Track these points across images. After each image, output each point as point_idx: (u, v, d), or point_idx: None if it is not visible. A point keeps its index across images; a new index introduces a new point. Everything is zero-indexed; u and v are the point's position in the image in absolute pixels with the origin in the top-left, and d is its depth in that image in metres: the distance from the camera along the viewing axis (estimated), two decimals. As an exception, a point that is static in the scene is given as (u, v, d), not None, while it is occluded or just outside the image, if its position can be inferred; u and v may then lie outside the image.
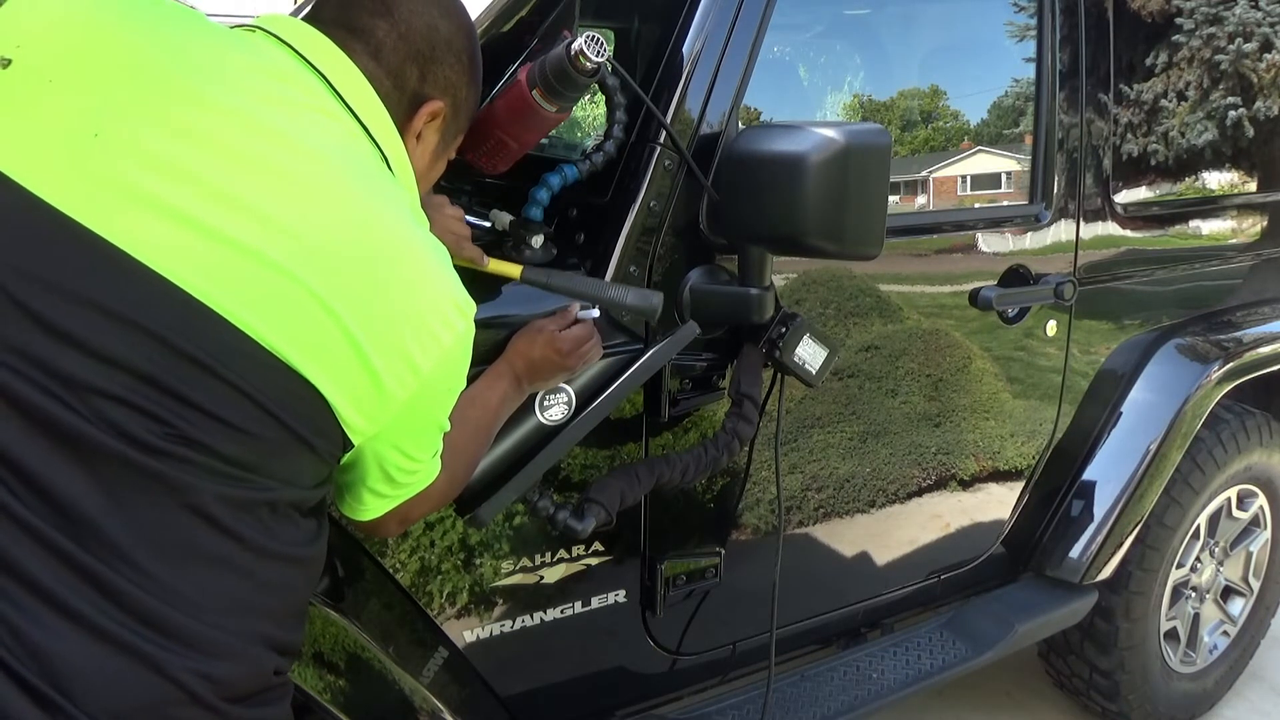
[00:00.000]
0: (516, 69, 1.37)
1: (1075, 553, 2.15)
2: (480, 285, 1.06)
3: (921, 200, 2.04)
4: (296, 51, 0.96)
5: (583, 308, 1.36)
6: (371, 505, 1.04)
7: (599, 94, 1.42)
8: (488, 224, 1.43)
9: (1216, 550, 2.49)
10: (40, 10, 0.87)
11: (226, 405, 0.83)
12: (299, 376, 0.85)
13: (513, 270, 1.28)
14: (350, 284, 0.86)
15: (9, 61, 0.84)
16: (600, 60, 1.23)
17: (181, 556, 0.82)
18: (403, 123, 1.03)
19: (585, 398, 1.39)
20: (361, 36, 1.00)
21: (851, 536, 1.91)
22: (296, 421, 0.86)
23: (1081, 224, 2.08)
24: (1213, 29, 2.30)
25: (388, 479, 1.01)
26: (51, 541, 0.78)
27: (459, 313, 0.94)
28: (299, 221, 0.85)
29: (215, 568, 0.84)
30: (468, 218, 1.38)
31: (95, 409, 0.79)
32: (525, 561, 1.49)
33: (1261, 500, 2.54)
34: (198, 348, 0.81)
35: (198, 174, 0.83)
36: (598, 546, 1.56)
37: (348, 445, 0.92)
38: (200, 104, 0.86)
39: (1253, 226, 2.53)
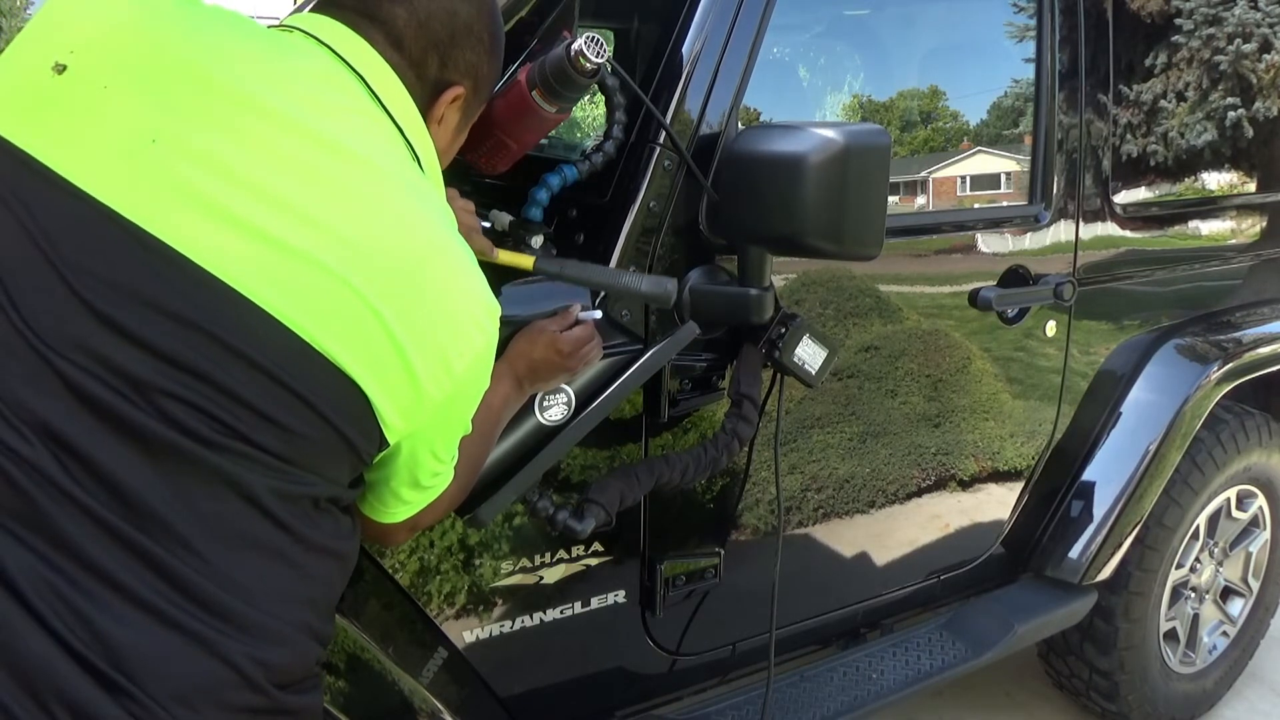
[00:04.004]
0: (516, 69, 1.37)
1: (1075, 553, 2.15)
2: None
3: (921, 200, 2.04)
4: (335, 52, 0.97)
5: (583, 309, 1.36)
6: (394, 509, 1.06)
7: (599, 94, 1.42)
8: (487, 224, 1.43)
9: (1216, 551, 2.49)
10: (93, 15, 0.89)
11: (275, 404, 0.86)
12: (345, 375, 0.87)
13: (524, 261, 1.28)
14: (393, 286, 0.88)
15: (64, 67, 0.86)
16: (600, 61, 1.23)
17: (239, 545, 0.85)
18: (424, 109, 1.04)
19: (585, 398, 1.39)
20: (381, 25, 1.00)
21: (851, 537, 1.91)
22: (341, 420, 0.89)
23: (1081, 224, 2.08)
24: (1212, 29, 2.30)
25: (414, 483, 1.03)
26: (116, 529, 0.81)
27: (489, 314, 0.97)
28: (345, 225, 0.87)
29: (269, 557, 0.87)
30: None
31: (157, 405, 0.82)
32: (525, 562, 1.49)
33: (1261, 501, 2.54)
34: (251, 347, 0.84)
35: (250, 178, 0.85)
36: (597, 547, 1.56)
37: (384, 444, 0.94)
38: (252, 109, 0.88)
39: (1252, 227, 2.53)
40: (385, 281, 0.88)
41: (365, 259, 0.87)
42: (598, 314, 1.35)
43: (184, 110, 0.86)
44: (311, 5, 1.04)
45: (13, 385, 0.81)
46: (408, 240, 0.90)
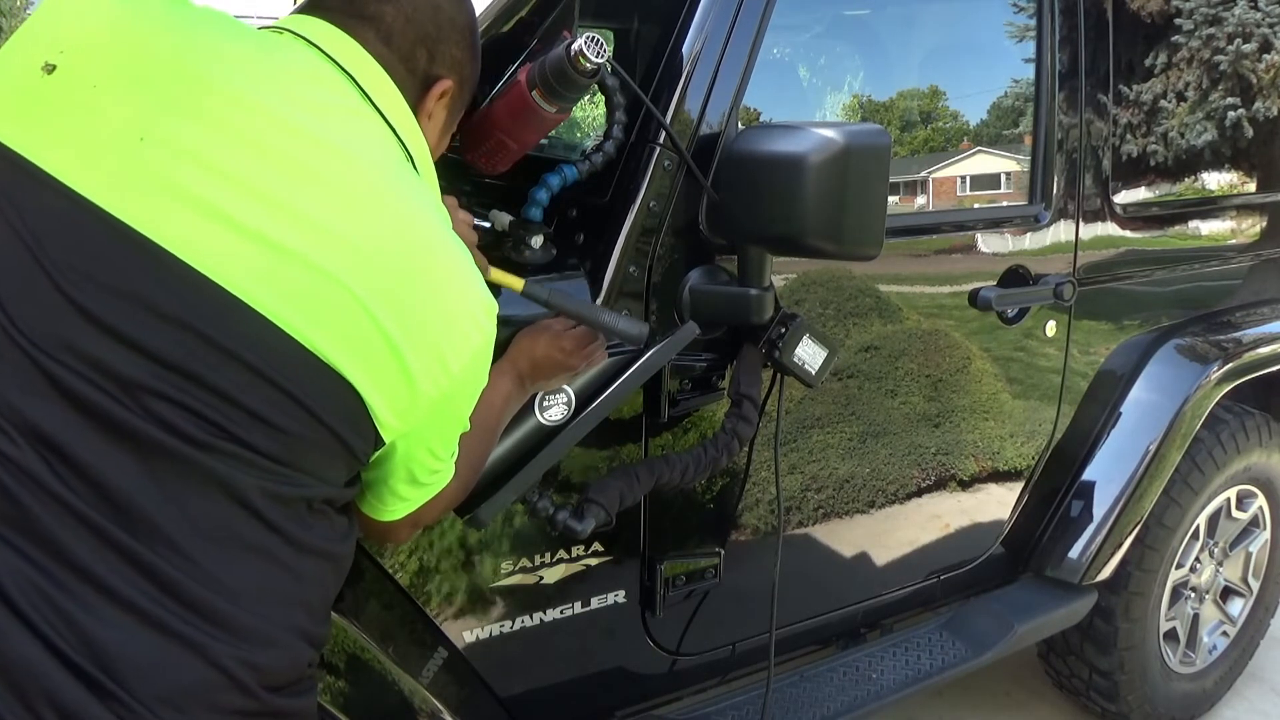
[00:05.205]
0: (516, 69, 1.37)
1: (1075, 553, 2.15)
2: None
3: (921, 200, 2.04)
4: (324, 53, 0.97)
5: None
6: (393, 506, 1.05)
7: (599, 94, 1.42)
8: (487, 224, 1.43)
9: (1216, 551, 2.49)
10: (83, 16, 0.89)
11: (268, 405, 0.85)
12: (338, 375, 0.87)
13: (515, 283, 1.29)
14: (387, 284, 0.88)
15: (54, 67, 0.86)
16: (600, 61, 1.23)
17: (228, 547, 0.85)
18: (415, 104, 1.05)
19: (585, 398, 1.39)
20: (371, 23, 1.01)
21: (851, 537, 1.91)
22: (335, 420, 0.88)
23: (1081, 224, 2.08)
24: (1212, 29, 2.30)
25: (412, 480, 1.03)
26: (104, 531, 0.80)
27: (486, 313, 0.96)
28: (338, 224, 0.87)
29: (259, 559, 0.87)
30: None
31: (145, 405, 0.82)
32: (525, 562, 1.49)
33: (1261, 501, 2.54)
34: (243, 347, 0.84)
35: (241, 177, 0.85)
36: (597, 547, 1.55)
37: (379, 443, 0.94)
38: (242, 107, 0.87)
39: (1252, 226, 2.53)
40: (379, 280, 0.87)
41: (358, 257, 0.87)
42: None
43: (173, 109, 0.86)
44: (299, 7, 1.05)
45: (1, 387, 0.81)
46: (402, 238, 0.90)
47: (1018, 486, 2.17)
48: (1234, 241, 2.50)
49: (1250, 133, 2.37)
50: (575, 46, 1.22)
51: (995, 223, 1.99)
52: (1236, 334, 2.38)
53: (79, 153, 0.84)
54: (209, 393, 0.83)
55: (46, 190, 0.83)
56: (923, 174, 2.04)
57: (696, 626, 1.73)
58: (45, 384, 0.81)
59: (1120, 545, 2.16)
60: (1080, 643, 2.32)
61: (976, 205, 2.10)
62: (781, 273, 1.62)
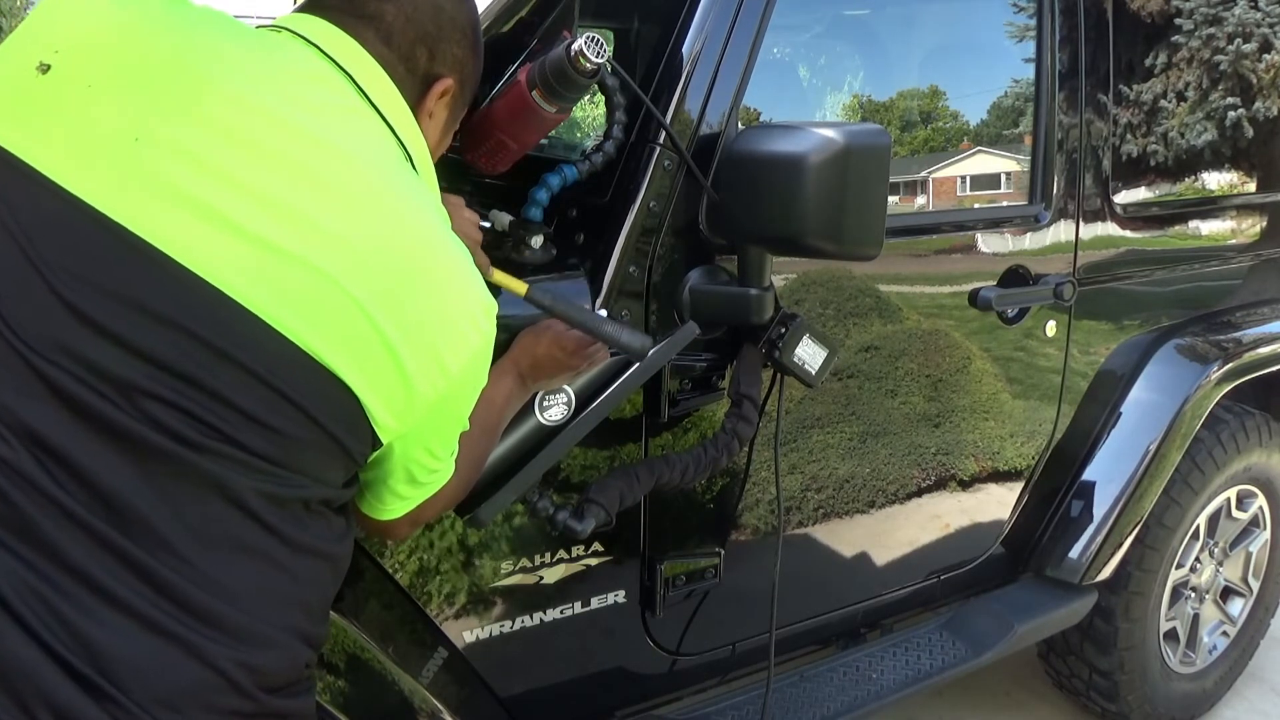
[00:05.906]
0: (516, 69, 1.37)
1: (1075, 553, 2.15)
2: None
3: (921, 200, 2.04)
4: (323, 52, 0.97)
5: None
6: (391, 505, 1.06)
7: (599, 94, 1.42)
8: (487, 224, 1.43)
9: (1216, 551, 2.49)
10: (79, 15, 0.89)
11: (263, 406, 0.85)
12: (334, 377, 0.87)
13: (518, 287, 1.28)
14: (384, 286, 0.87)
15: (48, 67, 0.85)
16: (600, 61, 1.23)
17: (223, 548, 0.84)
18: (415, 103, 1.04)
19: (585, 398, 1.39)
20: (372, 22, 1.01)
21: (851, 537, 1.91)
22: (331, 422, 0.88)
23: (1081, 224, 2.08)
24: (1212, 29, 2.30)
25: (410, 479, 1.03)
26: (99, 532, 0.80)
27: (485, 314, 0.96)
28: (335, 225, 0.86)
29: (255, 560, 0.86)
30: None
31: (140, 407, 0.81)
32: (525, 562, 1.49)
33: (1261, 501, 2.54)
34: (237, 349, 0.83)
35: (237, 177, 0.85)
36: (597, 547, 1.56)
37: (376, 444, 0.94)
38: (239, 107, 0.87)
39: (1252, 226, 2.53)
40: (376, 281, 0.87)
41: (355, 258, 0.86)
42: (603, 314, 1.35)
43: (168, 108, 0.85)
44: (299, 6, 1.05)
45: None
46: (399, 238, 0.90)
47: (1018, 486, 2.17)
48: (1234, 241, 2.50)
49: (1250, 133, 2.37)
50: (575, 46, 1.22)
51: (995, 223, 1.99)
52: (1236, 334, 2.38)
53: (73, 153, 0.84)
54: (204, 394, 0.83)
55: (41, 191, 0.83)
56: (923, 174, 2.04)
57: (696, 626, 1.73)
58: (40, 386, 0.81)
59: (1120, 545, 2.16)
60: (1080, 643, 2.32)
61: (976, 205, 2.10)
62: (781, 273, 1.62)
